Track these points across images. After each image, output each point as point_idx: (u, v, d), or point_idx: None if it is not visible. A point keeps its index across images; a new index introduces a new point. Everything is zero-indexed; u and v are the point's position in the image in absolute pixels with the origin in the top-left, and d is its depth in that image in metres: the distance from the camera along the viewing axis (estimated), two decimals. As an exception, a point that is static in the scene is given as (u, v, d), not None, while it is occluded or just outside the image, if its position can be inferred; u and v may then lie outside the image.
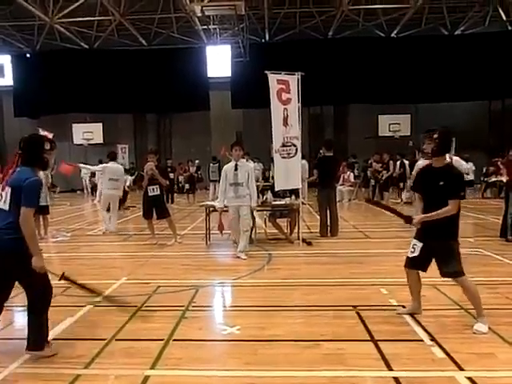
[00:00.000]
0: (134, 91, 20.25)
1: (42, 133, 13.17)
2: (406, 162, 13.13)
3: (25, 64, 21.61)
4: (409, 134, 20.82)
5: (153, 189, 7.70)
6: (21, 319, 4.28)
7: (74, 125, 22.06)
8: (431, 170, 3.72)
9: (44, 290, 3.14)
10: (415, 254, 3.71)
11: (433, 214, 3.53)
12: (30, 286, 3.10)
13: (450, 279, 3.69)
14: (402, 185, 13.41)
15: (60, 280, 3.50)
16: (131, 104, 20.86)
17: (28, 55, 21.71)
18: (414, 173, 7.57)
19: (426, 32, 20.31)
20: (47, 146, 3.24)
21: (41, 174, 9.54)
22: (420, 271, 3.81)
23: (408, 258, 3.81)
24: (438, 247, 3.58)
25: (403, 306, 4.13)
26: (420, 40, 19.88)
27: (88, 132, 22.11)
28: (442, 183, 3.53)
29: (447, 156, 6.35)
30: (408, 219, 3.80)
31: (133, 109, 21.64)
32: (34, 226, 3.06)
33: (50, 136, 13.23)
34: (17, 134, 22.75)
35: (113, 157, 9.50)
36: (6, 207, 2.99)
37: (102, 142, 21.70)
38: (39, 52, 21.56)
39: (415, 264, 3.76)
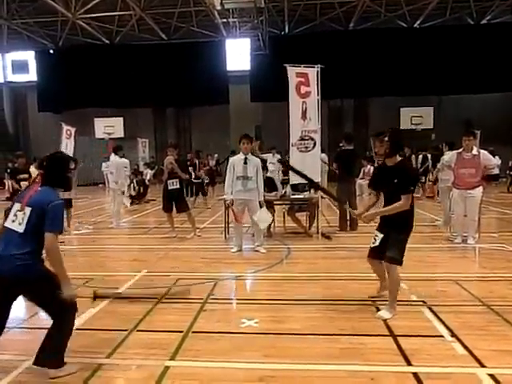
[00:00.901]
0: (154, 85, 20.48)
1: (65, 127, 13.52)
2: (429, 156, 12.87)
3: (48, 60, 22.10)
4: (431, 127, 20.38)
5: (172, 182, 7.77)
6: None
7: (95, 119, 22.45)
8: (385, 169, 3.87)
9: (64, 309, 2.87)
10: (376, 244, 3.93)
11: (383, 209, 3.78)
12: (46, 307, 2.91)
13: (472, 275, 3.63)
14: (423, 179, 13.17)
15: (95, 300, 3.76)
16: (151, 98, 21.08)
17: (51, 51, 22.14)
18: (439, 166, 7.43)
19: (450, 22, 19.76)
20: (72, 165, 3.18)
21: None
22: (379, 260, 3.95)
23: (370, 248, 4.02)
24: (392, 236, 3.76)
25: (424, 302, 4.08)
26: (444, 30, 19.34)
27: (109, 126, 22.46)
28: (396, 180, 3.68)
29: (475, 148, 6.30)
30: (341, 201, 4.05)
31: (152, 103, 21.86)
32: (60, 253, 2.80)
33: (73, 130, 13.60)
34: (41, 129, 23.55)
35: (115, 150, 9.34)
36: (21, 229, 2.74)
37: (122, 136, 22.02)
38: (62, 48, 21.97)
39: (376, 254, 3.94)
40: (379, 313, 3.79)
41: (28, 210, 2.76)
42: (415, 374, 2.78)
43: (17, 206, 2.82)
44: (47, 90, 21.81)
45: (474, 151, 6.56)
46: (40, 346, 2.88)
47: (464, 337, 3.29)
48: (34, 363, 2.88)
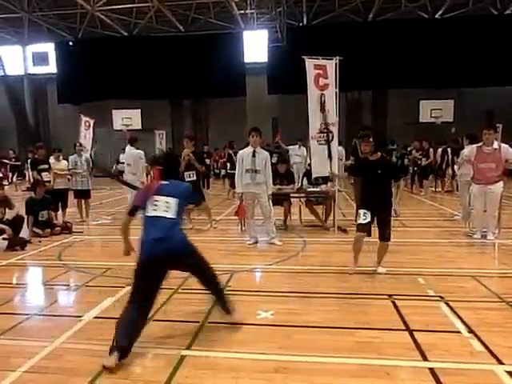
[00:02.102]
0: (171, 77, 20.55)
1: (84, 119, 13.71)
2: (449, 150, 12.61)
3: (67, 52, 22.26)
4: (451, 120, 19.92)
5: (189, 174, 7.81)
6: (64, 297, 4.56)
7: (113, 111, 22.67)
8: (369, 163, 4.84)
9: (211, 268, 3.52)
10: (368, 220, 4.70)
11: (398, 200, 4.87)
12: (202, 271, 3.48)
13: (491, 271, 3.59)
14: (441, 173, 12.93)
15: None
16: (168, 90, 21.15)
17: (70, 43, 22.34)
18: (459, 160, 7.30)
19: (472, 12, 19.21)
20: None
21: (83, 158, 9.87)
22: (366, 236, 4.79)
23: (360, 224, 4.76)
24: (382, 217, 4.72)
25: (441, 297, 4.05)
26: (466, 21, 18.80)
27: (127, 118, 22.64)
28: (379, 171, 4.68)
29: (495, 142, 6.35)
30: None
31: (170, 95, 21.92)
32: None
33: (92, 122, 13.78)
34: (60, 120, 23.91)
35: (130, 141, 9.20)
36: (171, 215, 3.24)
37: (140, 128, 22.19)
38: (81, 40, 22.19)
39: (366, 229, 4.73)
40: (378, 270, 4.87)
41: (172, 200, 3.27)
42: (431, 370, 2.76)
43: (154, 197, 3.28)
44: (67, 82, 22.08)
45: (495, 145, 6.43)
46: (216, 302, 3.63)
47: (482, 333, 3.25)
48: (222, 310, 3.59)
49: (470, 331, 3.31)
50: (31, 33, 22.59)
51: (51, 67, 23.65)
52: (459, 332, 3.32)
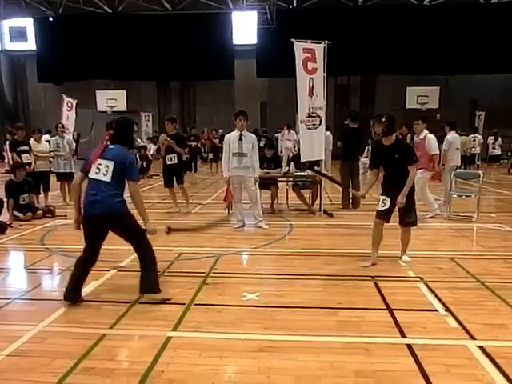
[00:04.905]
0: (158, 58, 20.05)
1: (66, 99, 13.38)
2: (431, 136, 12.72)
3: (48, 28, 21.37)
4: (437, 106, 20.12)
5: (171, 158, 7.77)
6: (48, 281, 4.56)
7: (97, 92, 22.16)
8: (383, 147, 4.61)
9: (146, 242, 3.68)
10: (386, 207, 4.55)
11: (405, 188, 4.39)
12: (134, 240, 3.67)
13: (469, 253, 3.73)
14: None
15: (169, 233, 4.22)
16: (155, 71, 20.71)
17: (51, 18, 21.41)
18: (444, 147, 7.42)
19: (461, 0, 19.21)
20: (135, 128, 3.78)
21: (65, 139, 9.67)
22: (385, 222, 4.67)
23: (379, 211, 4.63)
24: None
25: (420, 278, 4.19)
26: (454, 8, 18.77)
27: (112, 99, 22.18)
28: (396, 155, 4.46)
29: (423, 133, 6.96)
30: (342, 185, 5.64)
31: (156, 76, 21.52)
32: (141, 196, 3.67)
33: (74, 102, 13.47)
34: (41, 100, 23.23)
35: None
36: (108, 179, 3.45)
37: (125, 109, 21.82)
38: (62, 15, 21.28)
39: (385, 216, 4.60)
40: (403, 258, 4.72)
41: (111, 163, 3.45)
42: (409, 346, 2.89)
43: (97, 161, 3.49)
44: (47, 60, 21.15)
45: (422, 136, 7.04)
46: (140, 279, 3.64)
47: (457, 311, 3.41)
48: (140, 292, 3.65)
49: (447, 309, 3.46)
50: (8, 6, 21.39)
51: (30, 44, 22.52)
52: (436, 310, 3.46)
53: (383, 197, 4.59)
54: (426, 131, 7.07)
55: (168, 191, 8.15)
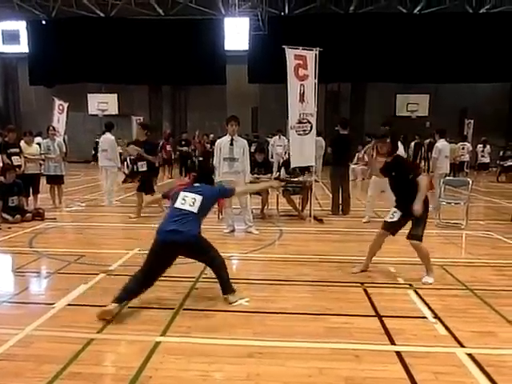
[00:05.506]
0: (150, 62, 20.02)
1: (58, 102, 13.31)
2: (425, 144, 12.90)
3: (40, 31, 21.29)
4: (426, 114, 20.39)
5: (141, 165, 7.83)
6: (36, 284, 4.49)
7: (89, 95, 22.07)
8: (386, 164, 4.51)
9: (218, 258, 3.87)
10: (394, 220, 4.43)
11: (418, 195, 4.15)
12: (207, 261, 3.90)
13: (458, 260, 3.75)
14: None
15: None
16: (146, 75, 20.66)
17: (44, 22, 21.34)
18: (434, 154, 7.50)
19: (450, 9, 19.53)
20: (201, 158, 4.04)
21: (55, 142, 9.63)
22: (389, 235, 4.54)
23: (386, 221, 4.54)
24: (408, 215, 4.30)
25: (410, 285, 4.21)
26: (443, 17, 19.11)
27: (103, 103, 22.11)
28: (393, 173, 4.44)
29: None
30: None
31: (148, 80, 21.46)
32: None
33: (66, 105, 13.40)
34: (32, 102, 23.08)
35: (107, 128, 9.32)
36: (195, 210, 3.76)
37: (116, 113, 21.74)
38: (55, 19, 21.23)
39: (390, 227, 4.48)
40: (424, 279, 4.32)
41: (199, 197, 3.80)
42: (398, 353, 2.89)
43: (183, 193, 3.86)
44: (39, 63, 21.02)
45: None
46: (220, 285, 3.80)
47: (446, 318, 3.42)
48: (223, 294, 3.81)
49: (436, 317, 3.47)
50: (0, 9, 21.27)
51: (23, 46, 22.45)
52: (425, 318, 3.48)
53: (394, 209, 4.49)
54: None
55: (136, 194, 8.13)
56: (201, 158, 16.60)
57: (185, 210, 3.75)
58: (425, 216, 4.29)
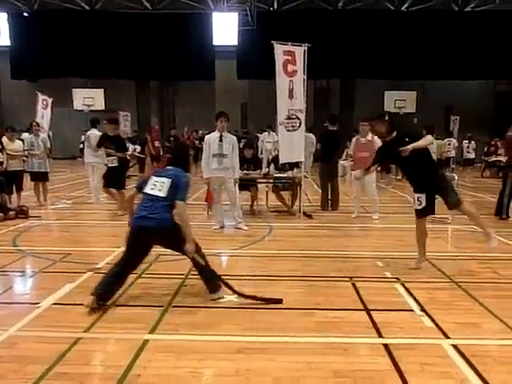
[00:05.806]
0: (137, 57, 19.80)
1: (41, 97, 13.01)
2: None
3: (22, 23, 20.84)
4: (414, 110, 20.59)
5: (112, 160, 7.78)
6: (20, 284, 4.40)
7: (74, 90, 21.68)
8: (389, 143, 4.48)
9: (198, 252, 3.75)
10: (424, 205, 4.35)
11: (417, 143, 4.16)
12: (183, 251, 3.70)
13: (443, 254, 3.80)
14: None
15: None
16: (133, 70, 20.46)
17: (26, 14, 20.90)
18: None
19: (437, 7, 19.71)
20: (191, 153, 3.76)
21: (39, 138, 9.45)
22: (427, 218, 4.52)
23: (417, 210, 4.43)
24: (432, 189, 4.31)
25: (397, 278, 4.26)
26: (429, 15, 19.34)
27: (89, 98, 21.73)
28: (407, 139, 4.27)
29: (369, 134, 7.16)
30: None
31: (135, 75, 21.24)
32: (188, 216, 3.73)
33: (50, 101, 13.10)
34: (14, 97, 22.53)
35: (93, 123, 9.22)
36: (163, 194, 3.62)
37: (103, 108, 21.42)
38: (38, 11, 20.79)
39: (426, 212, 4.43)
40: (489, 245, 4.32)
41: (167, 180, 3.64)
42: (385, 345, 2.93)
43: (154, 178, 3.74)
44: (21, 56, 20.52)
45: (369, 137, 7.26)
46: (203, 282, 3.78)
47: (432, 311, 3.48)
48: (209, 293, 3.76)
49: (422, 309, 3.53)
50: (-21, 0, 20.93)
51: (4, 39, 21.79)
52: (412, 310, 3.53)
53: (417, 194, 4.39)
54: (370, 133, 7.14)
55: (104, 190, 8.10)
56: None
57: (155, 195, 3.65)
58: (447, 181, 4.42)
